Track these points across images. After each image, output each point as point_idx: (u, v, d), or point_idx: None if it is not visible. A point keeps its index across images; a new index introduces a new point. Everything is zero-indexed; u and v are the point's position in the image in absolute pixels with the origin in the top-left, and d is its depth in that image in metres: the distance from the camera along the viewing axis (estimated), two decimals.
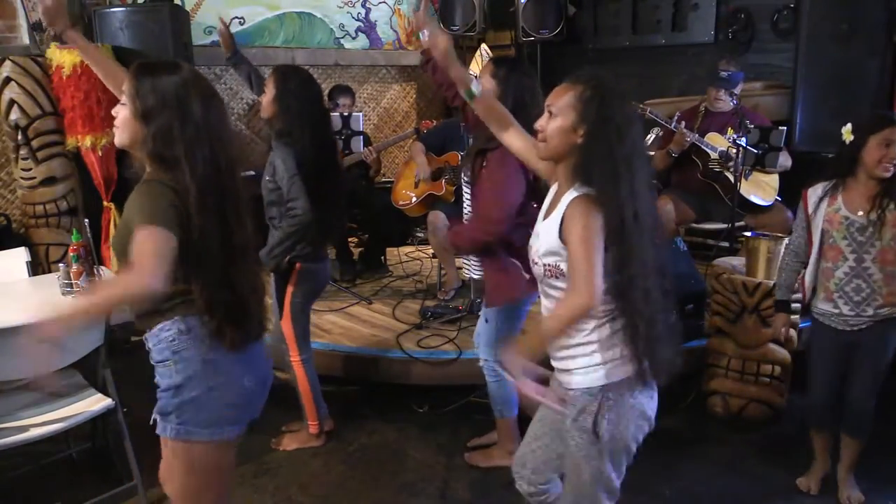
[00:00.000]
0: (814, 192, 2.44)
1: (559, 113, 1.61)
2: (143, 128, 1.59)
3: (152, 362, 1.68)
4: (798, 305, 3.04)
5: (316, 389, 2.88)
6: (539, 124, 1.66)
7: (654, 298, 1.57)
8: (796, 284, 2.58)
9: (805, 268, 2.49)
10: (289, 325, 2.78)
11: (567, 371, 1.67)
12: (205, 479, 1.73)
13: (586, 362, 1.63)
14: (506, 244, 2.43)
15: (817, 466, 2.64)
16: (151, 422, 1.69)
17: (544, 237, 1.66)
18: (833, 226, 2.36)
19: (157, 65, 1.66)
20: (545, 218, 1.69)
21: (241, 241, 1.66)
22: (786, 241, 3.07)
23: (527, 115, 2.37)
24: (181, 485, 1.74)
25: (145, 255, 1.45)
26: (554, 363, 1.72)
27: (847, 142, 2.36)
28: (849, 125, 2.37)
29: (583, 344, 1.63)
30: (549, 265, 1.64)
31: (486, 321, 2.59)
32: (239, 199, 1.66)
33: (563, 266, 1.60)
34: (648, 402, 1.68)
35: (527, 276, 2.40)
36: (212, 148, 1.60)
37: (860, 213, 2.31)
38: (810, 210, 2.43)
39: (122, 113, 1.64)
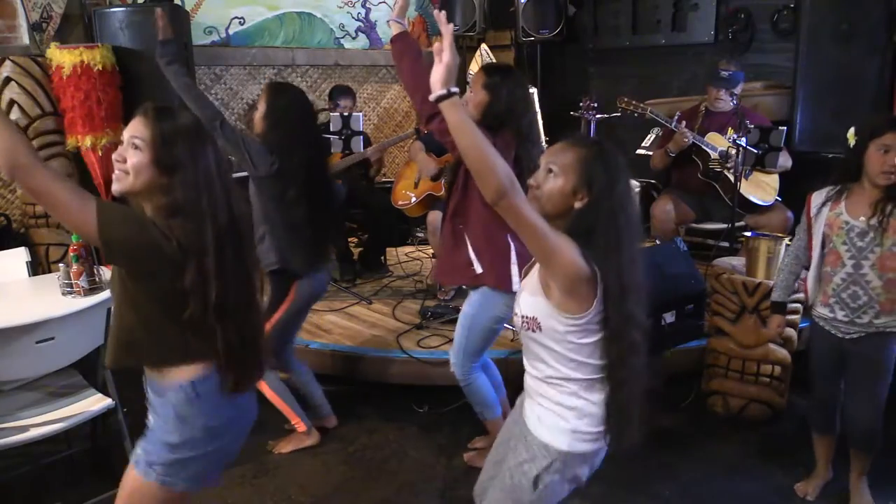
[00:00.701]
0: (818, 196, 2.39)
1: (560, 173, 1.55)
2: (164, 177, 1.53)
3: (151, 412, 1.67)
4: (798, 306, 3.06)
5: (282, 391, 2.86)
6: (535, 180, 1.59)
7: (644, 363, 1.55)
8: (797, 285, 2.57)
9: (806, 271, 2.47)
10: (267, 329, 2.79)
11: (536, 417, 1.65)
12: None
13: (555, 422, 1.61)
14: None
15: (818, 473, 2.60)
16: (133, 460, 1.67)
17: (528, 285, 1.64)
18: (833, 230, 2.32)
19: (174, 109, 1.62)
20: (529, 272, 1.69)
21: (255, 282, 1.66)
22: (786, 241, 3.08)
23: (517, 125, 2.40)
24: None
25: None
26: (527, 402, 1.71)
27: (851, 146, 2.31)
28: (853, 129, 2.32)
29: (561, 405, 1.61)
30: (527, 317, 1.60)
31: (467, 309, 2.55)
32: (250, 243, 1.67)
33: (540, 320, 1.56)
34: (587, 471, 1.67)
35: (478, 269, 2.42)
36: (226, 196, 1.59)
37: (861, 218, 2.26)
38: (812, 213, 2.39)
39: (135, 158, 1.53)
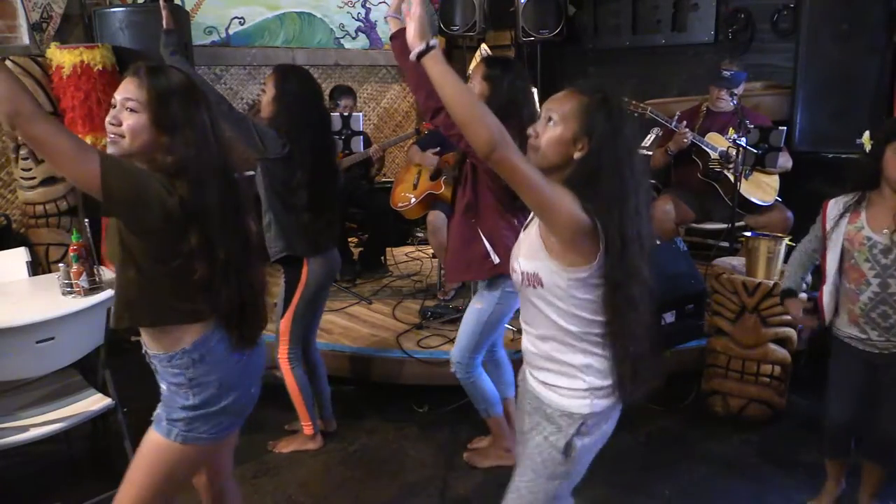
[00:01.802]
0: (835, 206, 2.24)
1: (560, 122, 1.49)
2: (163, 136, 1.53)
3: (161, 380, 1.68)
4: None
5: (306, 390, 2.86)
6: (534, 129, 1.54)
7: (645, 319, 1.53)
8: (802, 287, 2.47)
9: (812, 265, 2.39)
10: (287, 323, 2.77)
11: (547, 386, 1.60)
12: (179, 475, 1.73)
13: (570, 384, 1.57)
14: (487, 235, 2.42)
15: (829, 489, 2.49)
16: (154, 422, 1.69)
17: (525, 241, 1.61)
18: (854, 245, 2.17)
19: (165, 68, 1.60)
20: (527, 227, 1.65)
21: (253, 240, 1.67)
22: (786, 241, 3.08)
23: (518, 116, 2.38)
24: (149, 477, 1.70)
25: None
26: (532, 373, 1.66)
27: (867, 151, 2.19)
28: (867, 132, 2.23)
29: (570, 364, 1.57)
30: (527, 273, 1.55)
31: (480, 305, 2.55)
32: (247, 198, 1.67)
33: (542, 275, 1.52)
34: (612, 425, 1.66)
35: (496, 259, 2.40)
36: (220, 153, 1.59)
37: (885, 231, 2.10)
38: (829, 226, 2.23)
39: (131, 120, 1.52)
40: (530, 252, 1.56)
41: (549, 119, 1.52)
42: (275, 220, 2.68)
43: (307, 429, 2.92)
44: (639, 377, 1.55)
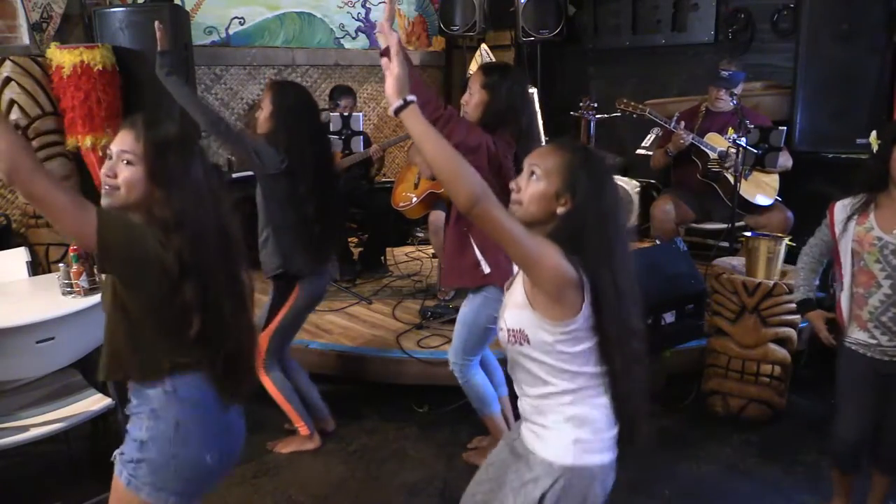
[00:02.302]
0: (842, 209, 2.18)
1: (543, 176, 1.49)
2: (158, 190, 1.51)
3: (128, 410, 1.65)
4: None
5: (287, 391, 2.86)
6: (517, 184, 1.54)
7: (643, 372, 1.52)
8: (811, 286, 2.39)
9: (821, 269, 2.34)
10: (267, 336, 2.78)
11: (534, 433, 1.56)
12: None
13: (556, 435, 1.52)
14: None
15: (838, 501, 2.40)
16: (112, 458, 1.64)
17: (510, 298, 1.59)
18: (864, 247, 2.11)
19: (160, 121, 1.58)
20: (511, 285, 1.64)
21: (244, 289, 1.65)
22: (786, 241, 3.08)
23: (517, 122, 2.41)
24: None
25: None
26: (524, 415, 1.62)
27: (875, 151, 2.15)
28: (874, 133, 2.20)
29: (558, 418, 1.52)
30: (513, 330, 1.52)
31: (466, 311, 2.58)
32: (241, 250, 1.64)
33: (527, 332, 1.49)
34: (601, 492, 1.56)
35: (486, 269, 2.43)
36: (215, 205, 1.58)
37: (895, 232, 2.06)
38: (837, 230, 2.18)
39: (127, 173, 1.50)
40: (515, 308, 1.54)
41: (532, 173, 1.51)
42: (273, 236, 2.70)
43: (302, 430, 2.92)
44: (639, 426, 1.54)
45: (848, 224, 2.15)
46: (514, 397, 1.73)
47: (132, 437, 1.59)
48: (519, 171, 1.59)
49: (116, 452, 1.63)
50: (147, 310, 1.53)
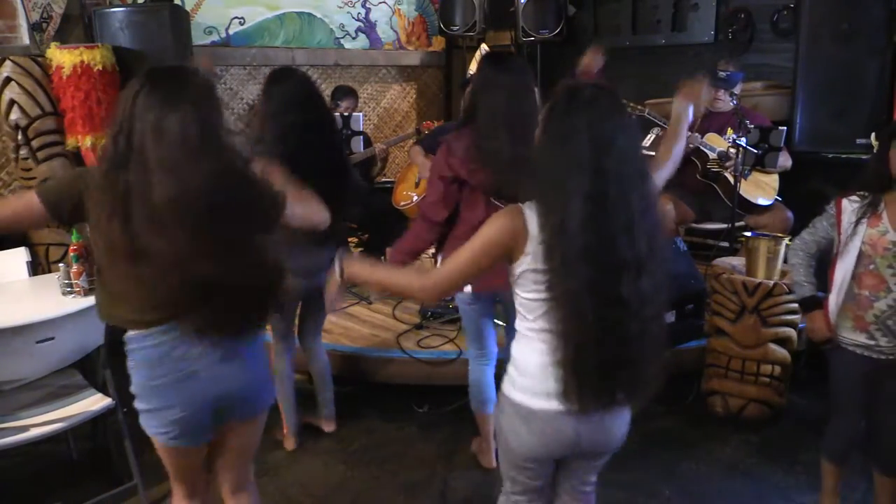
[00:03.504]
0: (850, 206, 2.13)
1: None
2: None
3: None
4: (797, 306, 3.05)
5: (285, 394, 2.91)
6: None
7: (591, 322, 1.44)
8: (813, 282, 2.31)
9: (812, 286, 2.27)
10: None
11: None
12: (167, 464, 1.82)
13: (509, 369, 1.65)
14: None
15: (827, 501, 2.40)
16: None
17: None
18: (877, 251, 2.07)
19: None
20: None
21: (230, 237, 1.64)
22: (786, 241, 3.07)
23: (476, 117, 2.40)
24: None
25: None
26: None
27: (875, 151, 2.15)
28: (874, 134, 2.24)
29: (516, 346, 1.64)
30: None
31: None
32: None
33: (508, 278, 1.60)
34: (536, 432, 1.58)
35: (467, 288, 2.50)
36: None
37: None
38: (845, 225, 2.13)
39: None
40: None
41: None
42: None
43: (285, 429, 2.98)
44: (583, 385, 1.48)
45: (858, 227, 2.10)
46: None
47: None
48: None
49: None
50: (99, 249, 1.65)
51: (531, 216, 1.49)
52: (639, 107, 4.00)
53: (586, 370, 1.47)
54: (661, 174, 1.94)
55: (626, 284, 1.45)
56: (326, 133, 2.72)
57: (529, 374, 1.57)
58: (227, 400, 1.74)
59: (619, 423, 1.63)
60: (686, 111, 2.02)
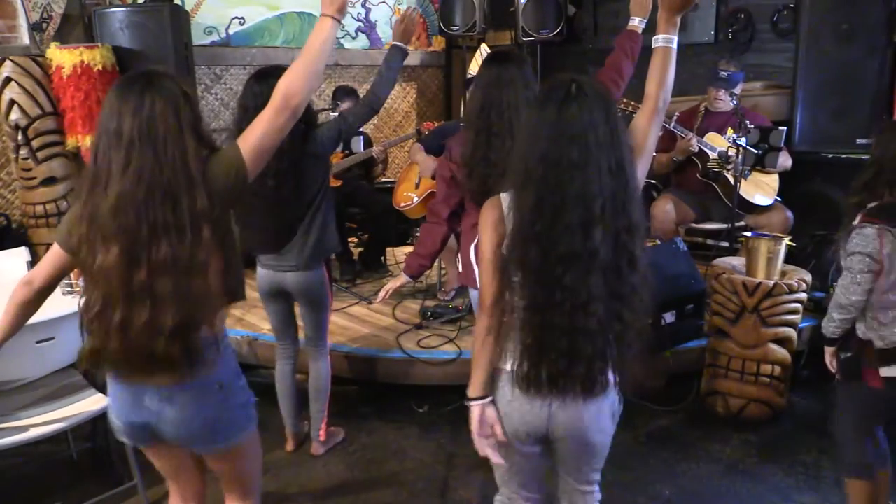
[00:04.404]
0: (889, 239, 2.00)
1: None
2: None
3: None
4: (798, 305, 3.05)
5: (282, 393, 2.91)
6: None
7: (539, 305, 1.49)
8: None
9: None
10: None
11: None
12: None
13: None
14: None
15: None
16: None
17: None
18: None
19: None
20: None
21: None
22: (786, 241, 3.06)
23: (470, 122, 2.43)
24: None
25: None
26: None
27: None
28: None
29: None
30: None
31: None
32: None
33: None
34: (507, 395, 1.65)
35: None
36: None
37: None
38: (886, 262, 2.00)
39: None
40: None
41: None
42: (330, 218, 2.71)
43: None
44: (532, 366, 1.53)
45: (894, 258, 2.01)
46: None
47: None
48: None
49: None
50: None
51: (507, 203, 1.56)
52: (639, 106, 3.98)
53: (529, 354, 1.53)
54: (656, 120, 1.97)
55: (571, 276, 1.46)
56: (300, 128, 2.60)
57: (510, 350, 1.61)
58: (159, 433, 1.69)
59: (593, 411, 1.59)
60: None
